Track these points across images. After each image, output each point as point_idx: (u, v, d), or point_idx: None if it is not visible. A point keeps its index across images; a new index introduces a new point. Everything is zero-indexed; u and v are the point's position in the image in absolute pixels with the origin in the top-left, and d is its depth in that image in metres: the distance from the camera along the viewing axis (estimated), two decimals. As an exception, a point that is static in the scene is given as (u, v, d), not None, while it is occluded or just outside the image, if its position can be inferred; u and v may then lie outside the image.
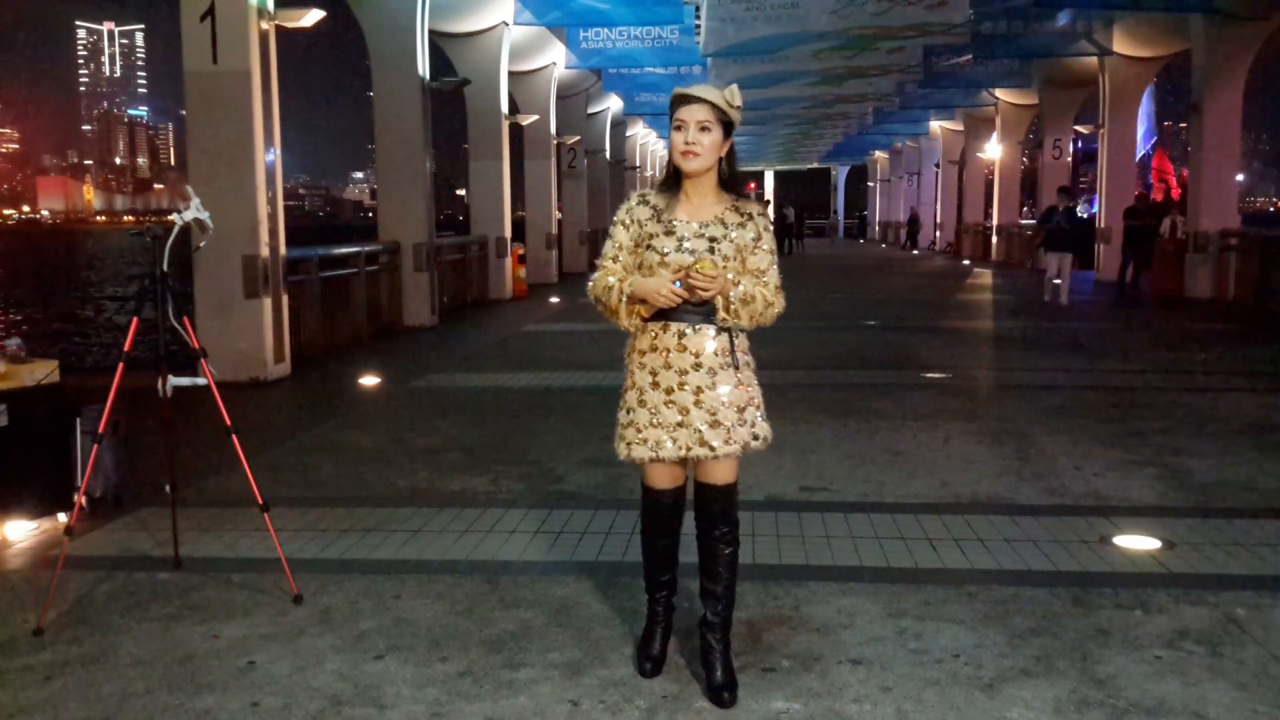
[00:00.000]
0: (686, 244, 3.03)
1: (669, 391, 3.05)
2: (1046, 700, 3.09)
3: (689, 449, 3.04)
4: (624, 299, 3.06)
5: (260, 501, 4.09)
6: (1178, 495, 5.30)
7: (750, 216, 3.10)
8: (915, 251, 36.27)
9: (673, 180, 3.13)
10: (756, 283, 3.06)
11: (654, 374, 3.07)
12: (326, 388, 9.12)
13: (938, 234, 36.51)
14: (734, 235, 3.06)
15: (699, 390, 3.03)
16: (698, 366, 3.04)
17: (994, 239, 28.16)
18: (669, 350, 3.05)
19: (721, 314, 3.03)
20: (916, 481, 5.56)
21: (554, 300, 17.36)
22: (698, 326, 3.04)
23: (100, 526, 4.90)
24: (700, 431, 3.03)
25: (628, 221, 3.13)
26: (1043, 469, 5.81)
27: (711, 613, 3.17)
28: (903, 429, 6.85)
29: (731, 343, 3.07)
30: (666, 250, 3.03)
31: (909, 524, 4.77)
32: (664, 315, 3.05)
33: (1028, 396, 8.06)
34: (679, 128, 3.03)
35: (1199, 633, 3.55)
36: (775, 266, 3.12)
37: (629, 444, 3.11)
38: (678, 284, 2.97)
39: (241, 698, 3.16)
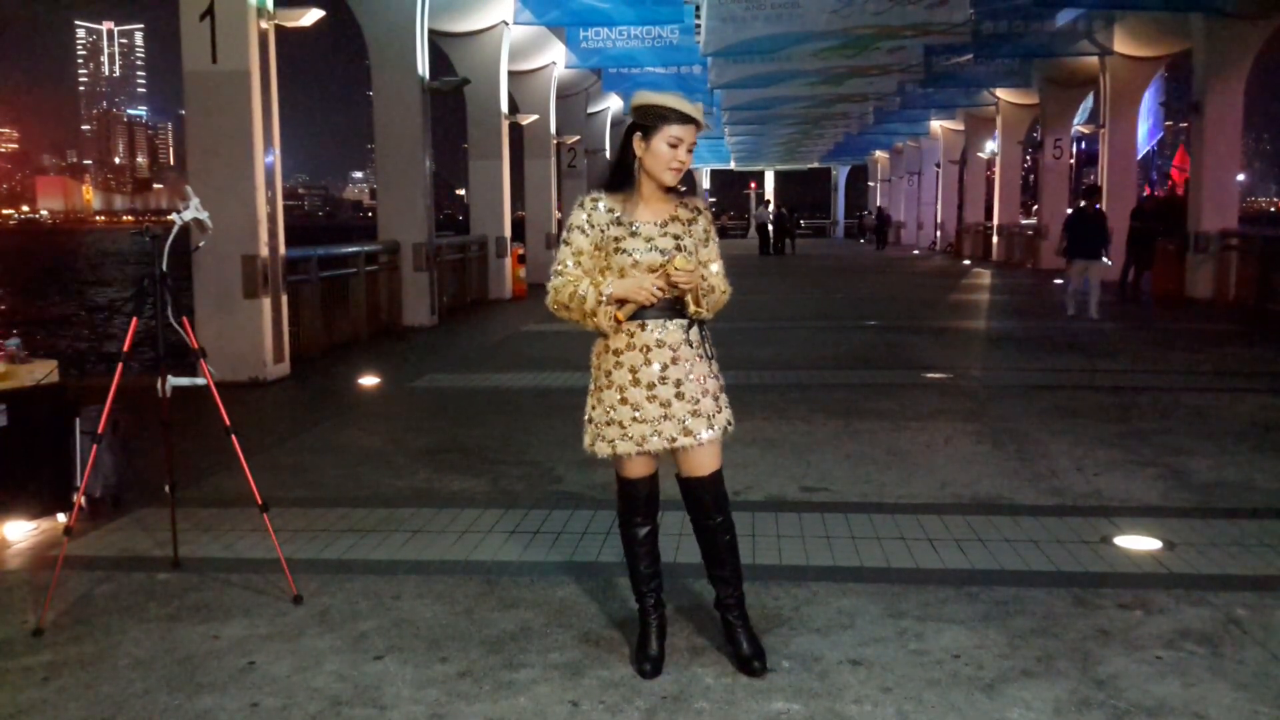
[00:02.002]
0: (655, 243, 3.14)
1: (650, 387, 3.15)
2: (1047, 701, 3.08)
3: (674, 439, 3.15)
4: (602, 301, 3.11)
5: (260, 502, 4.09)
6: (1178, 495, 5.30)
7: (699, 211, 3.28)
8: (884, 251, 36.25)
9: (622, 181, 3.20)
10: (709, 273, 3.23)
11: (633, 371, 3.16)
12: (326, 388, 9.12)
13: (938, 234, 36.52)
14: (691, 230, 3.22)
15: (679, 382, 3.15)
16: (675, 360, 3.16)
17: (994, 239, 28.16)
18: (648, 347, 3.15)
19: (694, 307, 3.17)
20: (916, 481, 5.56)
21: (554, 300, 17.32)
22: (670, 322, 3.16)
23: (100, 526, 4.90)
24: (684, 421, 3.15)
25: (587, 227, 3.18)
26: (1043, 469, 5.81)
27: (725, 595, 3.31)
28: (903, 429, 6.85)
29: (702, 334, 3.23)
30: (637, 250, 3.13)
31: (909, 524, 4.76)
32: (636, 315, 3.15)
33: (1028, 396, 8.06)
34: (673, 145, 3.11)
35: (1199, 633, 3.55)
36: (720, 258, 3.29)
37: (611, 441, 3.19)
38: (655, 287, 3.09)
39: (241, 698, 3.16)
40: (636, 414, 3.15)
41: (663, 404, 3.14)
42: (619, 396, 3.17)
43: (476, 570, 4.24)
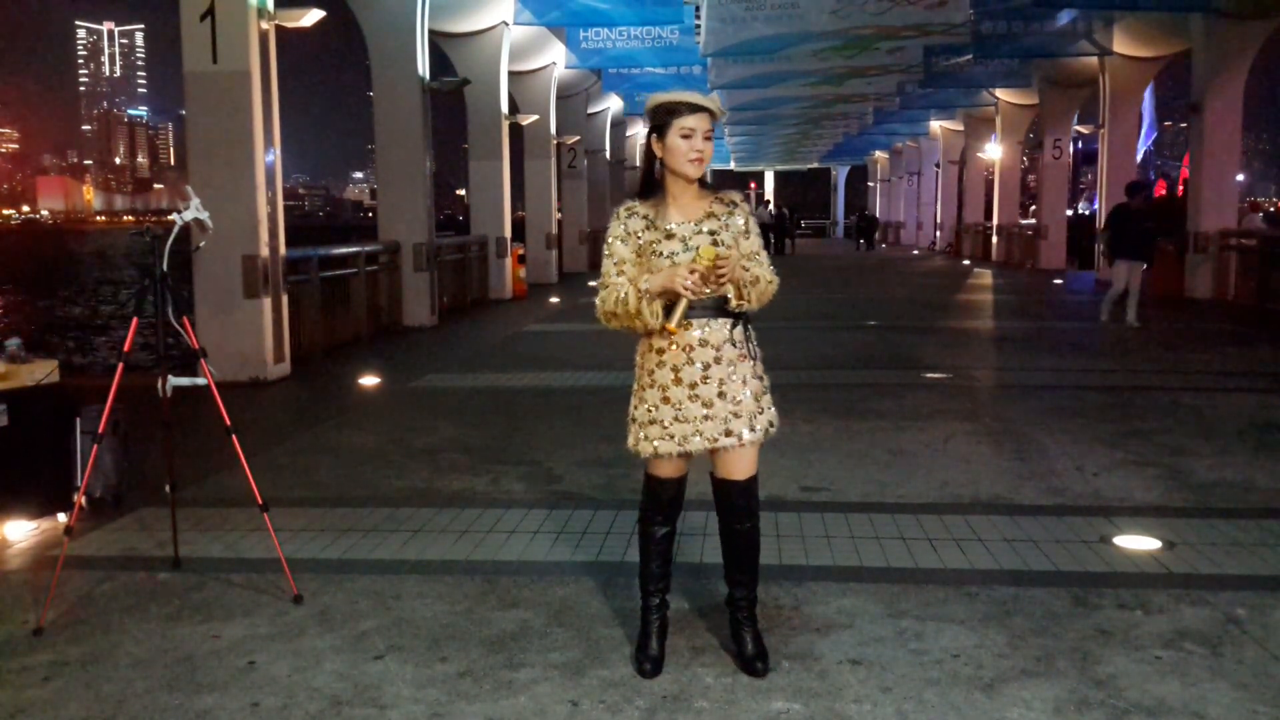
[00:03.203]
0: (691, 243, 3.11)
1: (693, 386, 3.13)
2: (1046, 700, 3.09)
3: (715, 440, 3.13)
4: (644, 298, 3.07)
5: (260, 501, 4.09)
6: (1178, 495, 5.30)
7: (735, 204, 3.24)
8: (871, 251, 36.09)
9: (652, 186, 3.20)
10: (754, 264, 3.18)
11: (676, 370, 3.14)
12: (326, 388, 9.12)
13: (938, 234, 36.54)
14: (729, 224, 3.18)
15: (722, 382, 3.13)
16: (718, 360, 3.14)
17: (994, 239, 28.18)
18: (691, 346, 3.13)
19: (735, 301, 3.13)
20: (916, 481, 5.56)
21: (554, 300, 17.36)
22: (714, 321, 3.14)
23: (100, 526, 4.90)
24: (726, 422, 3.13)
25: (624, 235, 3.17)
26: (1043, 469, 5.81)
27: (739, 594, 3.33)
28: (903, 429, 6.85)
29: (746, 333, 3.20)
30: (674, 252, 3.11)
31: (909, 524, 4.76)
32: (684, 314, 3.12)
33: (1028, 396, 8.06)
34: (687, 136, 3.10)
35: (1199, 633, 3.55)
36: (764, 249, 3.26)
37: (653, 440, 3.17)
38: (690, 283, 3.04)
39: (241, 698, 3.16)
40: (678, 413, 3.13)
41: (705, 404, 3.12)
42: (661, 395, 3.15)
43: (476, 570, 4.24)
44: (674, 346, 3.14)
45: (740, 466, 3.20)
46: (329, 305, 11.42)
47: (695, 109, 3.09)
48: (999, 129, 27.68)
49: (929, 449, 6.30)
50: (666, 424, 3.15)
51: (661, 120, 3.12)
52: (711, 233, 3.13)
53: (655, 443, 3.16)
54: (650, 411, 3.17)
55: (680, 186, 3.17)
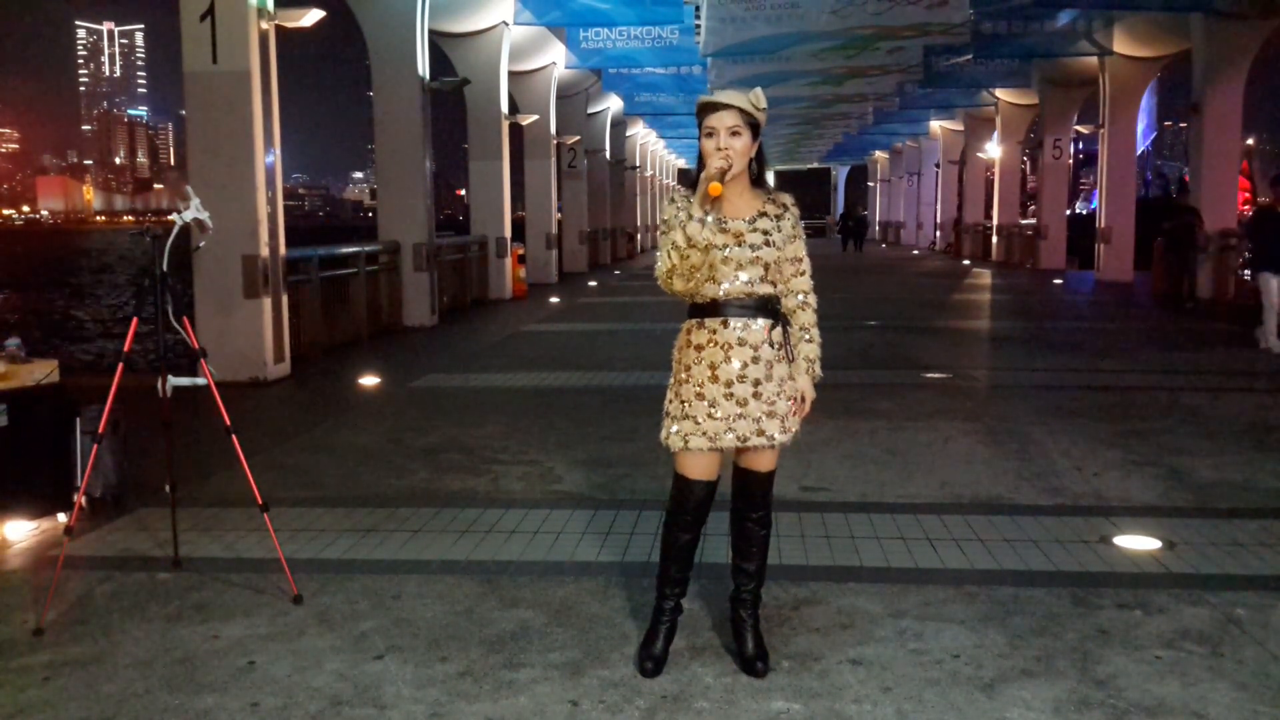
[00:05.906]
0: (746, 239, 3.13)
1: (728, 384, 3.15)
2: (1046, 700, 3.09)
3: (746, 439, 3.15)
4: (693, 218, 3.03)
5: (260, 501, 4.09)
6: (1178, 495, 5.30)
7: (786, 207, 3.27)
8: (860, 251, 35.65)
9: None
10: (800, 302, 3.24)
11: (713, 367, 3.16)
12: (326, 388, 9.12)
13: (938, 234, 36.54)
14: (780, 225, 3.21)
15: (757, 382, 3.15)
16: (756, 360, 3.15)
17: (994, 239, 28.17)
18: (729, 345, 3.15)
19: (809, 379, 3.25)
20: (916, 481, 5.56)
21: (554, 300, 17.36)
22: (754, 321, 3.16)
23: (100, 526, 4.90)
24: (758, 421, 3.15)
25: (683, 217, 3.13)
26: (1043, 469, 5.81)
27: (744, 590, 3.34)
28: (903, 429, 6.85)
29: (785, 336, 3.23)
30: (726, 245, 3.12)
31: (909, 524, 4.76)
32: (719, 312, 3.14)
33: (1028, 396, 8.06)
34: (709, 134, 3.11)
35: (1199, 633, 3.55)
36: (807, 256, 3.29)
37: (685, 435, 3.17)
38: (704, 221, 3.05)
39: (241, 698, 3.16)
40: (712, 410, 3.14)
41: (739, 402, 3.14)
42: (696, 391, 3.16)
43: (476, 570, 4.24)
44: (713, 344, 3.13)
45: (763, 461, 3.25)
46: (329, 305, 11.42)
47: (716, 107, 3.11)
48: (999, 129, 27.68)
49: (929, 449, 6.30)
50: (699, 420, 3.15)
51: (698, 122, 3.16)
52: (765, 232, 3.15)
53: (688, 437, 3.16)
54: (684, 406, 3.18)
55: (728, 187, 3.14)
